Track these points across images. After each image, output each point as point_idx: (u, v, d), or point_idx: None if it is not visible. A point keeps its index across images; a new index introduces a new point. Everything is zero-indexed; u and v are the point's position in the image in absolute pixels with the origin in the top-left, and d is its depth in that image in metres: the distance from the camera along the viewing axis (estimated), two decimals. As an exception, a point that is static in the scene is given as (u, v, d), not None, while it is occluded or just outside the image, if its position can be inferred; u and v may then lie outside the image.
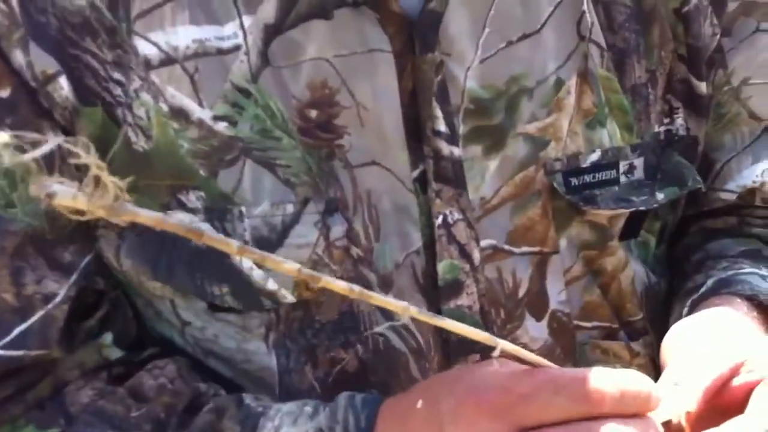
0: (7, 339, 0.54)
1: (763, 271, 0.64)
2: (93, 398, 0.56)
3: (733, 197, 0.69)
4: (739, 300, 0.60)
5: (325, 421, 0.51)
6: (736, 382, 0.48)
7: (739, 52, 0.67)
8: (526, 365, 0.46)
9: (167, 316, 0.59)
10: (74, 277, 0.56)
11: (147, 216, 0.32)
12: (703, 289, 0.62)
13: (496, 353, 0.45)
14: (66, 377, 0.57)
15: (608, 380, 0.44)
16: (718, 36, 0.65)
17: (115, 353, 0.59)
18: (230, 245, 0.35)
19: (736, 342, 0.53)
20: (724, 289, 0.61)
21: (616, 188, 0.61)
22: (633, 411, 0.44)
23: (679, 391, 0.48)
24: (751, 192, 0.68)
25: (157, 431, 0.54)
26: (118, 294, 0.60)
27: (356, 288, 0.40)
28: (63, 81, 0.53)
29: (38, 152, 0.49)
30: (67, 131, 0.54)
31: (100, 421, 0.55)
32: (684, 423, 0.47)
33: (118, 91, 0.53)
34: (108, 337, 0.58)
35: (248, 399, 0.55)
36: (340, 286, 0.39)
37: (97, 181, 0.31)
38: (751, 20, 0.67)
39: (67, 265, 0.55)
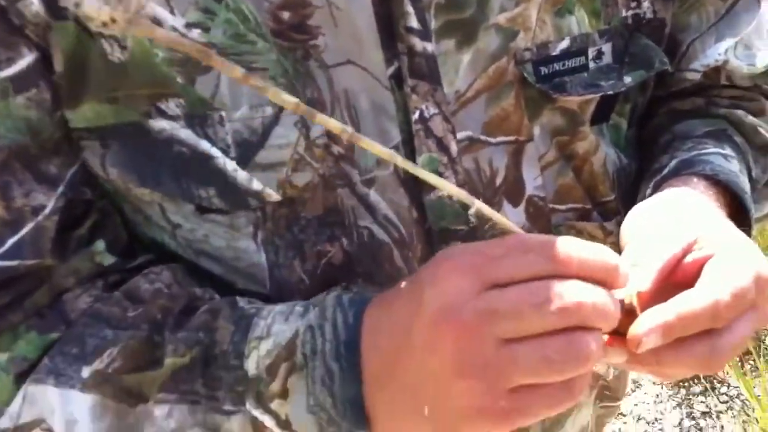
0: (1, 250, 0.55)
1: (727, 151, 0.65)
2: (90, 304, 0.57)
3: (698, 76, 0.70)
4: (696, 179, 0.61)
5: (315, 319, 0.53)
6: (688, 259, 0.50)
7: None
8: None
9: (157, 221, 0.60)
10: (61, 188, 0.56)
11: (162, 33, 0.35)
12: (665, 171, 0.64)
13: (471, 211, 0.48)
14: (62, 285, 0.58)
15: (577, 245, 0.45)
16: None
17: (108, 259, 0.60)
18: (235, 70, 0.37)
19: (691, 221, 0.54)
20: (685, 170, 0.63)
21: (585, 75, 0.62)
22: (599, 279, 0.45)
23: (634, 271, 0.49)
24: (716, 70, 0.70)
25: (154, 331, 0.55)
26: (105, 203, 0.61)
27: (348, 129, 0.42)
28: None
29: (13, 69, 0.52)
30: (41, 46, 0.53)
31: (98, 322, 0.56)
32: (635, 303, 0.48)
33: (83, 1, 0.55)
34: (100, 245, 0.59)
35: (242, 302, 0.57)
36: (334, 124, 0.42)
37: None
38: None
39: (53, 178, 0.56)
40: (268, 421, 0.53)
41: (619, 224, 0.62)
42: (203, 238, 0.60)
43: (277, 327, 0.54)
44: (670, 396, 2.34)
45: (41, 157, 0.55)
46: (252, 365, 0.53)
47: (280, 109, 0.56)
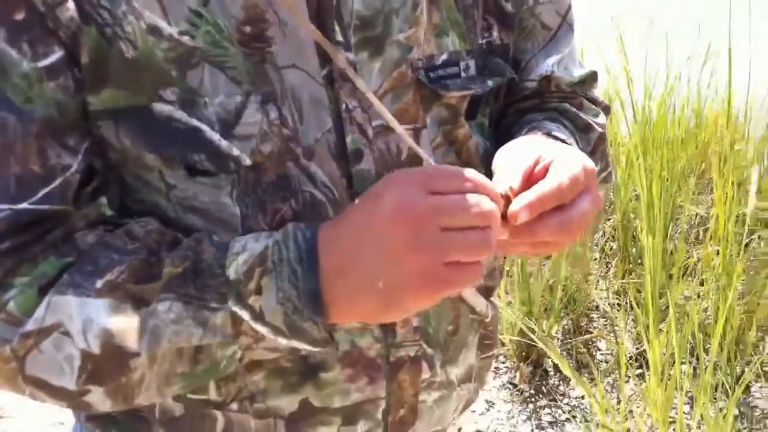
0: (35, 198, 0.69)
1: (559, 126, 0.89)
2: (98, 237, 0.72)
3: (534, 84, 0.93)
4: (538, 133, 0.85)
5: (280, 237, 0.70)
6: (537, 168, 0.73)
7: None
8: None
9: (156, 184, 0.75)
10: (80, 155, 0.72)
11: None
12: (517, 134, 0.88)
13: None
14: (76, 226, 0.72)
15: (471, 171, 0.67)
16: None
17: (109, 211, 0.75)
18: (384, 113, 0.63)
19: (536, 147, 0.77)
20: (530, 131, 0.86)
21: (459, 80, 0.83)
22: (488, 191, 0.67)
23: (505, 175, 0.73)
24: (547, 79, 0.93)
25: (151, 255, 0.71)
26: (106, 172, 0.75)
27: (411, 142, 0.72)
28: (70, 4, 0.68)
29: (47, 61, 0.70)
30: (68, 45, 0.69)
31: (106, 248, 0.71)
32: (510, 193, 0.71)
33: (106, 15, 0.69)
34: (104, 200, 0.74)
35: (216, 236, 0.74)
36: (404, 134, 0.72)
37: None
38: None
39: (73, 147, 0.71)
40: (245, 315, 0.68)
41: None
42: (193, 196, 0.75)
43: (250, 245, 0.70)
44: (520, 411, 2.58)
45: (66, 131, 0.71)
46: (232, 272, 0.68)
47: (246, 98, 0.73)
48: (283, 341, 0.70)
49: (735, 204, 2.74)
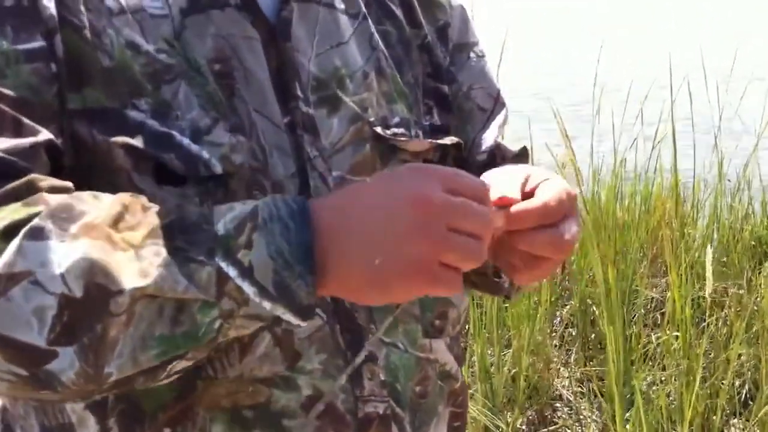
0: (3, 146, 0.68)
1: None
2: (66, 196, 0.67)
3: (484, 156, 0.98)
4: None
5: (269, 198, 0.67)
6: (527, 188, 0.78)
7: (463, 71, 0.98)
8: None
9: (124, 188, 0.71)
10: (52, 137, 0.71)
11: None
12: None
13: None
14: (41, 188, 0.68)
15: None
16: (448, 57, 0.97)
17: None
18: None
19: (523, 169, 0.82)
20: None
21: (413, 139, 0.89)
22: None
23: (501, 188, 0.76)
24: (498, 148, 0.99)
25: (127, 209, 0.66)
26: (76, 175, 0.73)
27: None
28: (48, 2, 0.72)
29: (27, 46, 0.71)
30: (48, 39, 0.72)
31: (79, 200, 0.66)
32: (507, 202, 0.75)
33: (85, 21, 0.74)
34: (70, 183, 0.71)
35: None
36: None
37: None
38: (464, 53, 0.99)
39: (46, 129, 0.71)
40: (232, 271, 0.64)
41: None
42: (160, 203, 0.70)
43: (237, 205, 0.67)
44: None
45: (40, 116, 0.72)
46: (221, 227, 0.65)
47: (214, 122, 0.76)
48: (267, 306, 0.65)
49: (690, 287, 2.76)
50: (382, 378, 0.84)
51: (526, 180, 0.79)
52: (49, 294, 0.61)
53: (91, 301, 0.62)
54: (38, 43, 0.72)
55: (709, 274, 2.19)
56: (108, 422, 0.77)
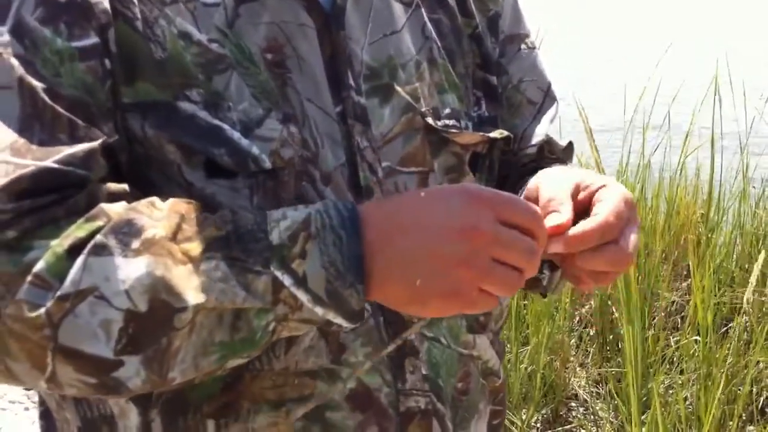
0: (58, 157, 0.68)
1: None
2: (124, 206, 0.69)
3: (534, 150, 0.98)
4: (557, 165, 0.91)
5: (321, 206, 0.70)
6: (580, 195, 0.79)
7: (513, 63, 0.98)
8: None
9: (176, 179, 0.75)
10: (107, 137, 0.72)
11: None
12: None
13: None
14: (99, 197, 0.69)
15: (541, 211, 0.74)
16: (497, 48, 0.97)
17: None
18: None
19: (573, 173, 0.83)
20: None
21: (464, 132, 0.89)
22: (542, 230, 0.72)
23: (549, 201, 0.78)
24: (548, 143, 0.99)
25: (185, 219, 0.68)
26: (131, 169, 0.75)
27: None
28: None
29: (82, 43, 0.71)
30: (103, 36, 0.72)
31: (137, 213, 0.68)
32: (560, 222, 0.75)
33: (138, 13, 0.73)
34: (126, 185, 0.73)
35: None
36: None
37: None
38: (515, 45, 0.99)
39: (101, 128, 0.72)
40: (287, 280, 0.67)
41: None
42: (210, 196, 0.75)
43: (290, 213, 0.70)
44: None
45: (99, 118, 0.72)
46: (276, 237, 0.68)
47: (267, 112, 0.77)
48: (319, 311, 0.69)
49: (713, 292, 2.74)
50: (424, 372, 0.84)
51: (577, 188, 0.79)
52: (114, 309, 0.64)
53: (155, 316, 0.65)
54: (92, 40, 0.71)
55: (753, 279, 2.19)
56: (151, 413, 0.78)
